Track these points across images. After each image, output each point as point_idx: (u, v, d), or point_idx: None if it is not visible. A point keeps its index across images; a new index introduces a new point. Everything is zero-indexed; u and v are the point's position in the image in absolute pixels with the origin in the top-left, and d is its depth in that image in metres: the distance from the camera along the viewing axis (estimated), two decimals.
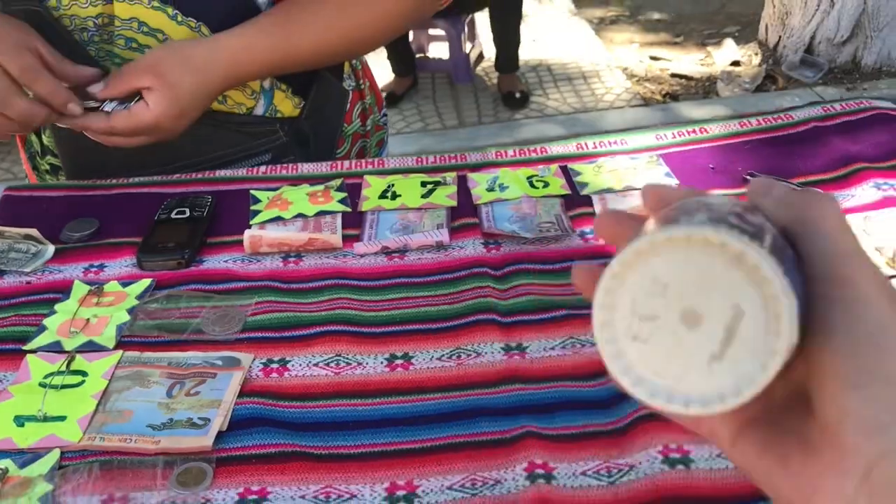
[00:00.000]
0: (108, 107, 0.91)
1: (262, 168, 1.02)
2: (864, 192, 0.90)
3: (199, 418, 0.66)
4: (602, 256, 0.85)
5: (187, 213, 0.91)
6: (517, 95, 3.89)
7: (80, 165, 1.05)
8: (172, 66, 0.91)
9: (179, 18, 0.96)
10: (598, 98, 3.94)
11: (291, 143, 1.07)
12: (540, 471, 0.62)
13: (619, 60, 4.36)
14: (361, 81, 1.20)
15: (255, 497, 0.61)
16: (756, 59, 4.13)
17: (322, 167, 1.02)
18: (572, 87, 4.04)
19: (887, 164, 0.94)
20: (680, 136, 1.06)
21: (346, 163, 1.03)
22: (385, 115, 1.29)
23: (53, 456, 0.64)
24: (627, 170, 0.99)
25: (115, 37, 0.98)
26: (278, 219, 0.92)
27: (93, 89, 0.92)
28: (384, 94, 3.94)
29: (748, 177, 0.95)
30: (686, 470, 0.61)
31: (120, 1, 0.95)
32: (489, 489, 0.61)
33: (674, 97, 3.99)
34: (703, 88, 4.05)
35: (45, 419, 0.67)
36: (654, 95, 4.01)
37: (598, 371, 0.71)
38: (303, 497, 0.61)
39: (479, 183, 0.97)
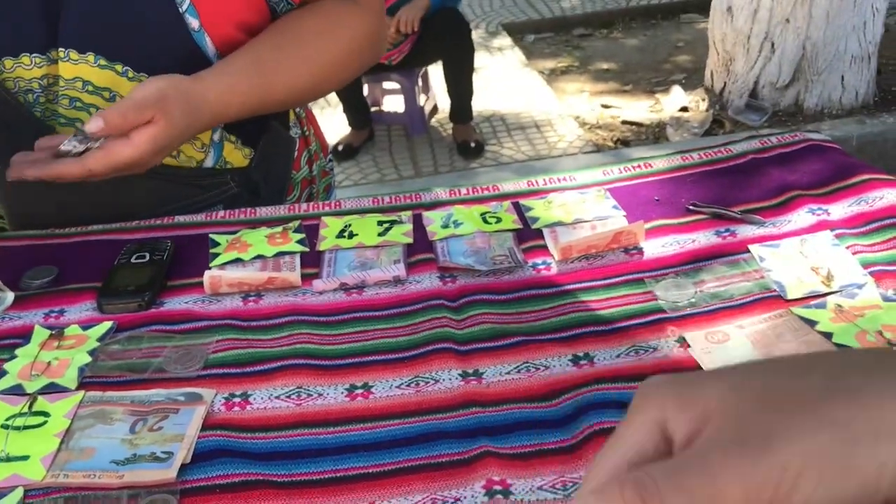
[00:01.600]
0: (68, 145, 0.85)
1: (221, 213, 1.04)
2: (800, 217, 0.95)
3: (163, 452, 0.67)
4: (553, 286, 0.88)
5: (147, 258, 0.92)
6: (472, 145, 3.96)
7: (27, 217, 1.05)
8: (176, 102, 0.88)
9: (130, 74, 0.97)
10: (552, 146, 4.02)
11: (242, 193, 1.10)
12: (498, 487, 0.63)
13: (570, 109, 4.46)
14: (306, 128, 1.24)
15: None
16: (703, 105, 4.26)
17: (280, 210, 1.05)
18: (526, 136, 4.13)
19: (821, 190, 0.99)
20: (626, 171, 1.10)
21: (304, 205, 1.05)
22: (331, 160, 1.32)
23: (17, 495, 0.64)
24: (576, 203, 1.02)
25: (60, 97, 0.97)
26: (238, 261, 0.94)
27: (89, 126, 0.85)
28: (341, 147, 3.99)
29: (691, 207, 0.99)
30: None
31: (64, 61, 0.95)
32: None
33: (625, 143, 4.10)
34: (653, 134, 4.16)
35: (8, 459, 0.67)
36: (606, 142, 4.11)
37: (550, 393, 0.73)
38: None
39: (434, 220, 1.00)
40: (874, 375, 0.33)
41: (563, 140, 4.07)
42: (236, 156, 1.09)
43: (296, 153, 1.21)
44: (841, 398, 0.32)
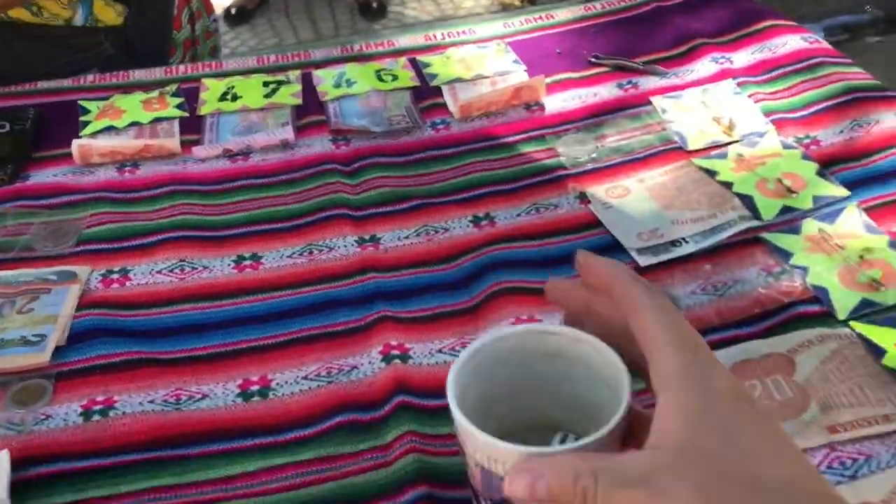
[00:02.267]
0: None
1: (90, 77, 0.95)
2: (703, 66, 0.92)
3: (34, 335, 0.63)
4: (453, 146, 0.83)
5: (7, 128, 0.84)
6: (374, 5, 3.78)
7: None
8: None
9: None
10: (457, 5, 3.89)
11: (119, 56, 1.01)
12: (395, 352, 0.61)
13: None
14: None
15: (100, 407, 0.58)
16: None
17: (155, 73, 0.96)
18: None
19: (725, 38, 0.97)
20: (527, 23, 1.05)
21: (182, 67, 0.97)
22: (215, 20, 1.23)
23: None
24: (476, 58, 0.97)
25: None
26: (111, 129, 0.87)
27: None
28: (234, 10, 3.77)
29: (593, 59, 0.96)
30: None
31: None
32: (344, 375, 0.60)
33: (532, 2, 3.99)
34: None
35: None
36: (514, 2, 3.99)
37: (450, 255, 0.71)
38: (151, 402, 0.58)
39: (324, 79, 0.94)
40: None
41: (469, 0, 3.94)
42: (108, 13, 0.99)
43: (175, 10, 1.11)
44: None
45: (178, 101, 0.90)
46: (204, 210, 0.76)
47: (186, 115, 0.89)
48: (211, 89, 0.92)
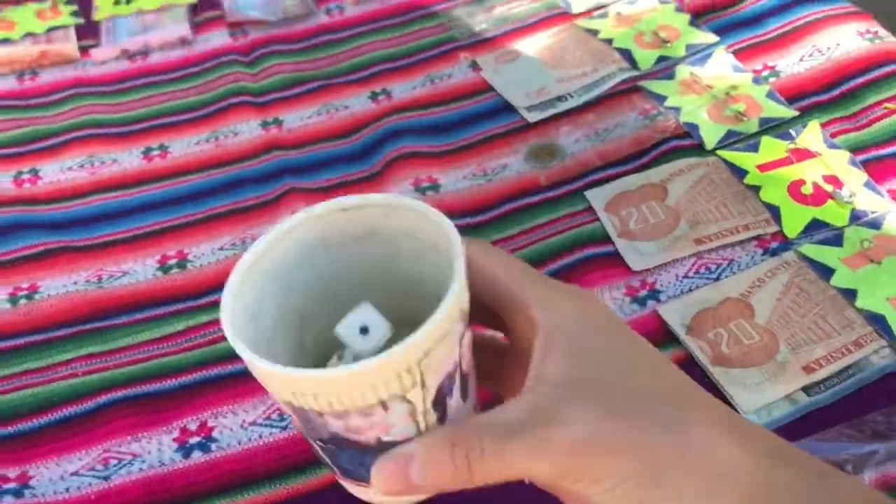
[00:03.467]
0: None
1: None
2: None
3: None
4: (348, 28, 0.86)
5: None
6: None
7: None
8: None
9: None
10: None
11: None
12: None
13: None
14: None
15: (25, 293, 0.61)
16: None
17: None
18: None
19: None
20: None
21: None
22: None
23: None
24: None
25: None
26: (6, 41, 0.86)
27: None
28: None
29: None
30: (435, 193, 0.66)
31: None
32: None
33: None
34: None
35: None
36: None
37: (351, 130, 0.74)
38: (74, 283, 0.61)
39: None
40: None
41: None
42: None
43: None
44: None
45: (71, 8, 0.90)
46: (108, 108, 0.78)
47: (82, 21, 0.89)
48: None
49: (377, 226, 0.34)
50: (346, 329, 0.32)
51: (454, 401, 0.32)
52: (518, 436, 0.29)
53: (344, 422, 0.30)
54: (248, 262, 0.33)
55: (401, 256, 0.35)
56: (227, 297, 0.32)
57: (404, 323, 0.32)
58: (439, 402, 0.31)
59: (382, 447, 0.31)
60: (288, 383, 0.30)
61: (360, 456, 0.32)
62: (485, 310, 0.34)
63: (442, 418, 0.32)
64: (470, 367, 0.33)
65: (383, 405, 0.30)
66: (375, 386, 0.29)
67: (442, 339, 0.30)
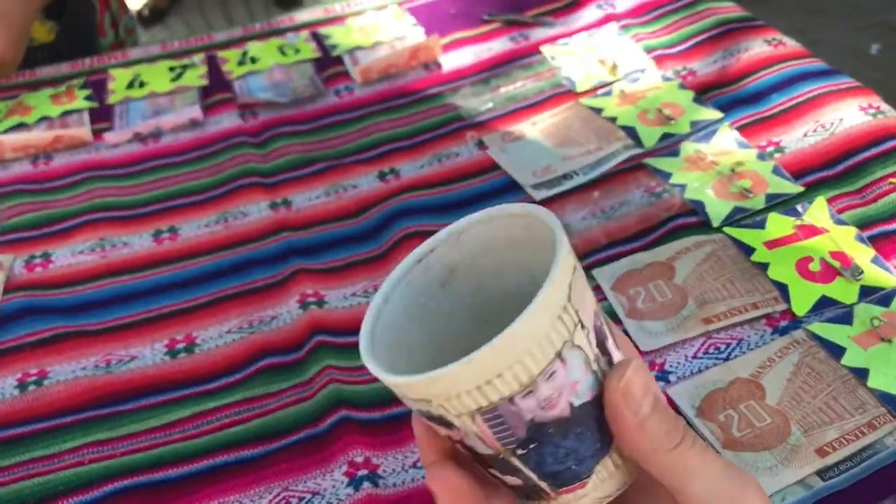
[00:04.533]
0: None
1: None
2: (589, 13, 0.97)
3: None
4: (356, 109, 0.87)
5: None
6: None
7: None
8: None
9: None
10: None
11: None
12: (312, 300, 0.65)
13: None
14: None
15: (34, 378, 0.61)
16: None
17: (61, 68, 0.98)
18: None
19: None
20: None
21: (87, 60, 0.99)
22: (132, 17, 1.25)
23: None
24: (375, 26, 1.01)
25: None
26: (21, 125, 0.88)
27: None
28: (146, 12, 3.73)
29: (486, 17, 1.00)
30: None
31: None
32: (265, 325, 0.64)
33: None
34: None
35: None
36: None
37: (359, 210, 0.75)
38: (83, 369, 0.62)
39: (229, 59, 0.97)
40: None
41: None
42: (40, 31, 1.03)
43: (98, 18, 1.13)
44: None
45: (86, 92, 0.92)
46: (120, 192, 0.79)
47: (95, 105, 0.91)
48: (118, 79, 0.95)
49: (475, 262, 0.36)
50: None
51: (613, 346, 0.33)
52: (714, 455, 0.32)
53: (536, 398, 0.30)
54: (378, 306, 0.34)
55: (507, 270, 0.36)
56: (365, 336, 0.33)
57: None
58: (602, 345, 0.32)
59: (576, 416, 0.31)
60: (470, 375, 0.29)
61: (561, 441, 0.32)
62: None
63: (610, 363, 0.33)
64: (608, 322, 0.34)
65: (560, 357, 0.30)
66: (548, 335, 0.30)
67: (574, 272, 0.31)
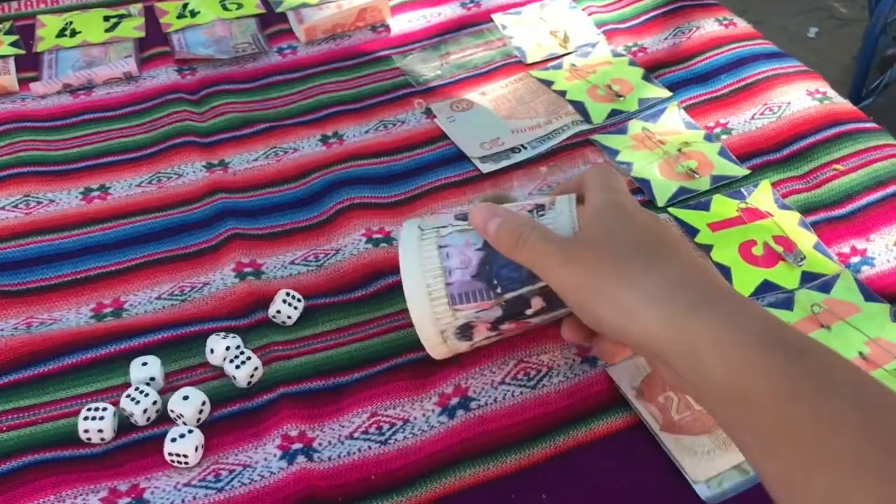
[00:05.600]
0: None
1: None
2: None
3: None
4: (300, 69, 0.84)
5: None
6: None
7: None
8: None
9: None
10: None
11: None
12: (248, 269, 0.63)
13: None
14: None
15: None
16: None
17: None
18: None
19: None
20: None
21: (14, 3, 0.94)
22: None
23: None
24: None
25: None
26: None
27: None
28: None
29: None
30: (389, 247, 0.65)
31: None
32: (197, 292, 0.62)
33: None
34: None
35: None
36: None
37: (300, 174, 0.72)
38: (1, 331, 0.58)
39: (167, 11, 0.93)
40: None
41: None
42: None
43: None
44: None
45: (12, 38, 0.87)
46: (47, 146, 0.75)
47: (22, 52, 0.86)
48: (48, 25, 0.90)
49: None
50: None
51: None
52: (550, 243, 0.47)
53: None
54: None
55: None
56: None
57: None
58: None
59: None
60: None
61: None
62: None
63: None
64: None
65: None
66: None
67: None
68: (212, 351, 0.55)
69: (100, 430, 0.51)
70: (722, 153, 0.70)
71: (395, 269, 0.62)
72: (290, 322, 0.59)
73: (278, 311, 0.58)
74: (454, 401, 0.53)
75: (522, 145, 0.73)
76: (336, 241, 0.65)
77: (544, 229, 0.48)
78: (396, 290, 0.60)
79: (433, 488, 0.49)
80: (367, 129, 0.77)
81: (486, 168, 0.72)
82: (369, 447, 0.51)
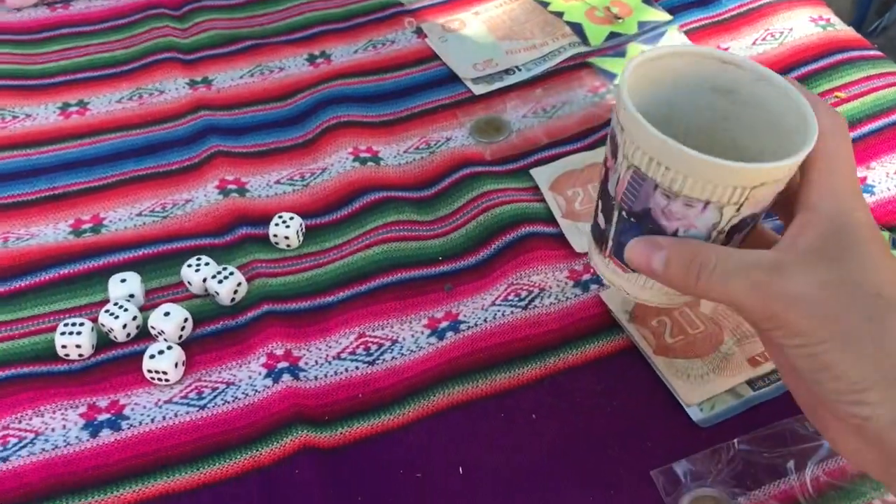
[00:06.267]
0: None
1: None
2: None
3: None
4: None
5: None
6: None
7: None
8: None
9: None
10: None
11: None
12: (232, 186, 0.61)
13: None
14: None
15: None
16: None
17: None
18: None
19: None
20: None
21: None
22: None
23: None
24: None
25: None
26: None
27: None
28: None
29: None
30: (376, 166, 0.63)
31: None
32: (179, 209, 0.60)
33: None
34: None
35: None
36: None
37: (286, 93, 0.70)
38: None
39: None
40: None
41: None
42: None
43: None
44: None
45: None
46: (23, 59, 0.72)
47: None
48: None
49: (739, 86, 0.41)
50: None
51: (738, 238, 0.39)
52: (747, 273, 0.36)
53: (668, 202, 0.37)
54: (637, 61, 0.39)
55: (742, 119, 0.42)
56: (626, 76, 0.39)
57: None
58: (733, 231, 0.38)
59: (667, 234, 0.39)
60: (654, 147, 0.36)
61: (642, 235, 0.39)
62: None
63: (725, 243, 0.39)
64: (761, 219, 0.40)
65: (705, 205, 0.37)
66: (716, 187, 0.36)
67: (777, 181, 0.37)
68: (189, 283, 0.53)
69: (78, 346, 0.50)
70: None
71: (380, 187, 0.61)
72: (292, 244, 0.57)
73: (275, 235, 0.56)
74: (444, 324, 0.52)
75: (517, 67, 0.71)
76: (322, 161, 0.63)
77: (732, 253, 0.37)
78: (381, 205, 0.59)
79: (421, 406, 0.48)
80: (355, 48, 0.75)
81: (479, 90, 0.70)
82: (357, 367, 0.50)
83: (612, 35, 0.74)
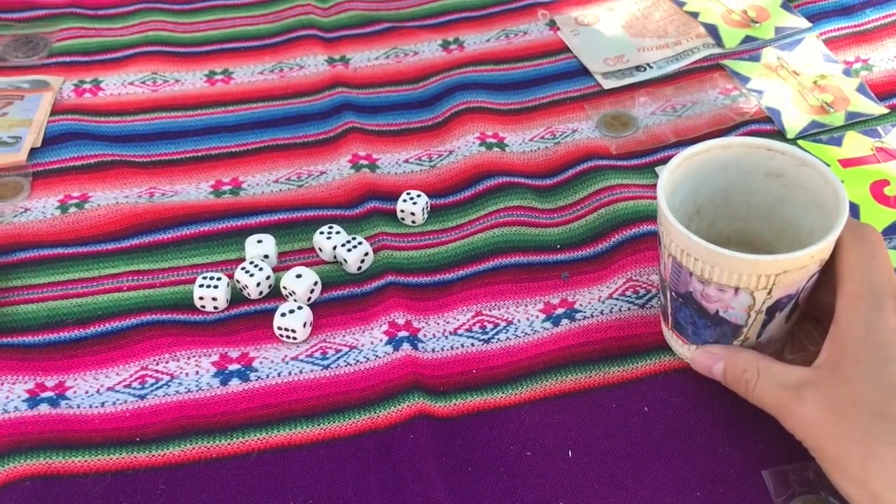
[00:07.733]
0: None
1: None
2: None
3: (10, 137, 0.64)
4: None
5: None
6: None
7: None
8: None
9: None
10: None
11: None
12: (364, 162, 0.63)
13: None
14: None
15: (76, 201, 0.60)
16: None
17: None
18: None
19: None
20: None
21: None
22: None
23: None
24: None
25: None
26: None
27: None
28: None
29: None
30: (501, 151, 0.64)
31: None
32: (314, 179, 0.62)
33: None
34: None
35: None
36: None
37: (419, 77, 0.72)
38: (126, 197, 0.60)
39: None
40: None
41: None
42: None
43: None
44: None
45: None
46: (176, 27, 0.76)
47: None
48: None
49: (786, 171, 0.46)
50: None
51: (781, 315, 0.43)
52: (775, 394, 0.41)
53: (703, 287, 0.42)
54: (681, 157, 0.45)
55: (793, 200, 0.46)
56: (664, 177, 0.44)
57: (744, 244, 0.48)
58: (771, 310, 0.43)
59: (716, 320, 0.44)
60: (683, 243, 0.42)
61: (695, 318, 0.45)
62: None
63: (766, 322, 0.43)
64: (804, 301, 0.44)
65: (735, 290, 0.42)
66: (741, 275, 0.41)
67: (802, 268, 0.41)
68: (320, 249, 0.56)
69: (214, 299, 0.53)
70: (860, 89, 0.67)
71: (504, 172, 0.62)
72: (417, 221, 0.59)
73: (402, 211, 0.58)
74: (560, 311, 0.53)
75: (648, 64, 0.71)
76: (450, 143, 0.65)
77: (771, 369, 0.42)
78: (504, 189, 0.60)
79: (534, 389, 0.49)
80: (488, 37, 0.76)
81: (609, 84, 0.70)
82: (472, 344, 0.52)
83: (748, 38, 0.73)
